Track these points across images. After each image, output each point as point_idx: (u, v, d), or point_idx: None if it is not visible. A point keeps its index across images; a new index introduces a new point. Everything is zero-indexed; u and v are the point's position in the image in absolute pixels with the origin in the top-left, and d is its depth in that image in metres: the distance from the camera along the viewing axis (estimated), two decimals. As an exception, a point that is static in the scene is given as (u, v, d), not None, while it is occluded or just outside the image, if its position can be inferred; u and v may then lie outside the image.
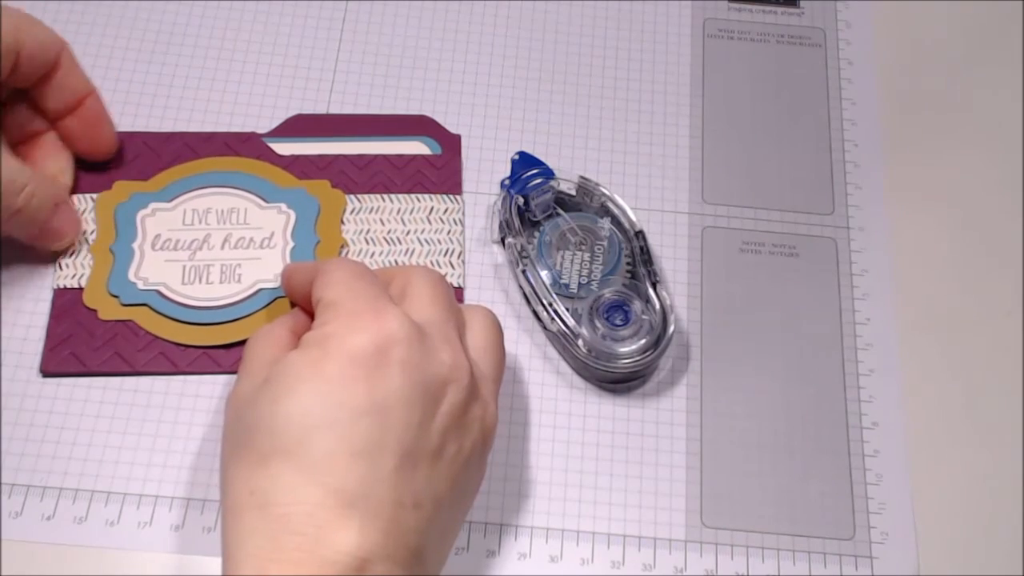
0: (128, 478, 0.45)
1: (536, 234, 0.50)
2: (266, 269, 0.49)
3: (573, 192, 0.51)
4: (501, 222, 0.50)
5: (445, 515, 0.39)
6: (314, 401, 0.37)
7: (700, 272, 0.51)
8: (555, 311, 0.47)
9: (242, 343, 0.47)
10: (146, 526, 0.44)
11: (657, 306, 0.48)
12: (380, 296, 0.39)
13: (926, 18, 0.59)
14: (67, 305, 0.48)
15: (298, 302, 0.44)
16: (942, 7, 0.59)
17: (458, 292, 0.49)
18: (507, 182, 0.50)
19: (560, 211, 0.50)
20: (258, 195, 0.51)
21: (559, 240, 0.50)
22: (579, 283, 0.48)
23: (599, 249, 0.49)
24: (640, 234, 0.49)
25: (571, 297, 0.48)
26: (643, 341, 0.47)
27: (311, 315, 0.41)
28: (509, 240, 0.49)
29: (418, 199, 0.51)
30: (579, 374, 0.48)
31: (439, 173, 0.52)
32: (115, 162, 0.51)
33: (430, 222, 0.51)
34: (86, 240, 0.49)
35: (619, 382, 0.48)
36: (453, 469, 0.39)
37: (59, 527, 0.44)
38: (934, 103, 0.57)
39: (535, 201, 0.50)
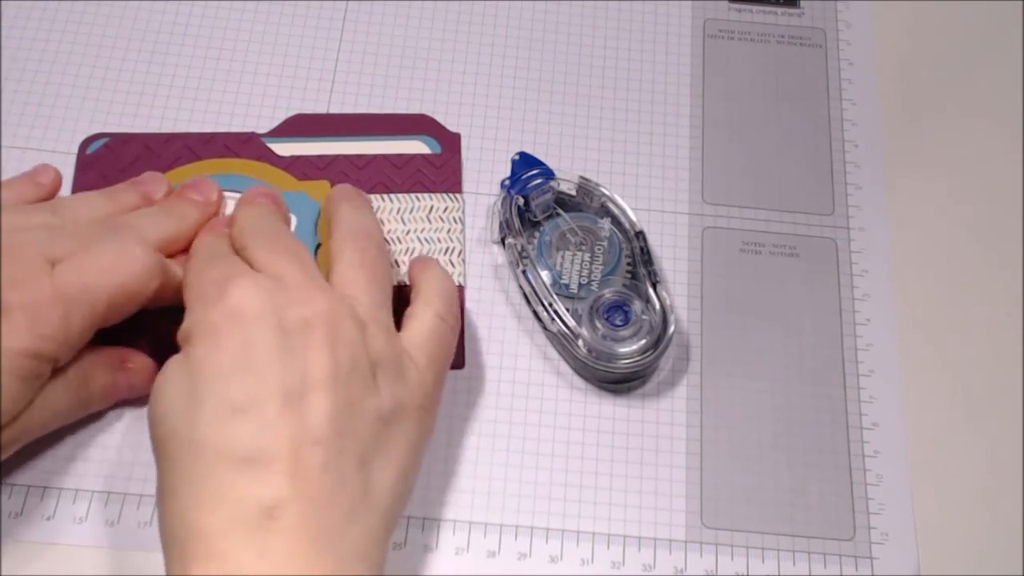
0: (128, 478, 0.45)
1: (536, 234, 0.50)
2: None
3: (573, 192, 0.51)
4: (501, 222, 0.50)
5: (360, 441, 0.38)
6: (184, 380, 0.38)
7: (700, 272, 0.51)
8: (555, 311, 0.47)
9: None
10: (146, 526, 0.44)
11: (657, 306, 0.48)
12: (224, 276, 0.40)
13: (926, 18, 0.59)
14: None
15: None
16: (942, 7, 0.59)
17: (458, 292, 0.49)
18: (507, 182, 0.50)
19: (560, 211, 0.50)
20: (258, 196, 0.51)
21: (559, 240, 0.50)
22: (579, 283, 0.48)
23: (599, 249, 0.49)
24: (640, 234, 0.49)
25: (571, 297, 0.48)
26: (643, 341, 0.47)
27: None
28: (509, 240, 0.49)
29: (418, 198, 0.51)
30: (579, 374, 0.48)
31: (439, 172, 0.52)
32: (115, 164, 0.51)
33: (430, 221, 0.51)
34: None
35: (619, 382, 0.48)
36: (346, 392, 0.38)
37: (59, 527, 0.44)
38: (934, 103, 0.57)
39: (535, 201, 0.50)
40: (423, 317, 0.43)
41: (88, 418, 0.46)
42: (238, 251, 0.44)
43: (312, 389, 0.37)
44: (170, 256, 0.45)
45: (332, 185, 0.51)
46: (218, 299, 0.39)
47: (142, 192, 0.48)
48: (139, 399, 0.47)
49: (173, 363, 0.39)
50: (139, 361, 0.46)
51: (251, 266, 0.42)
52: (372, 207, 0.47)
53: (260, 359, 0.38)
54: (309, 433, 0.37)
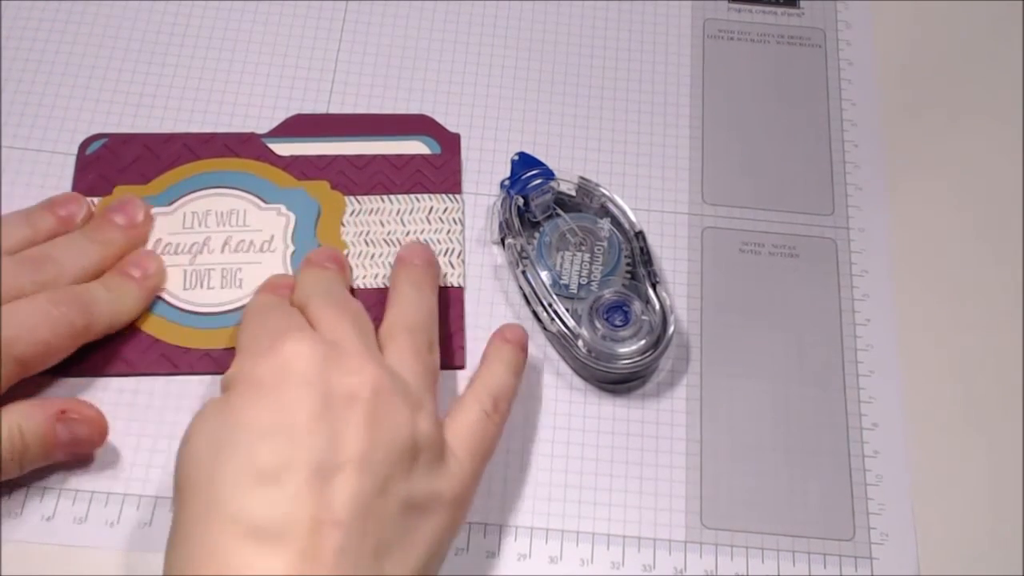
0: (128, 478, 0.45)
1: (536, 235, 0.50)
2: (266, 274, 0.49)
3: (573, 192, 0.51)
4: (501, 223, 0.50)
5: (383, 528, 0.36)
6: (217, 429, 0.36)
7: (700, 272, 0.51)
8: (555, 312, 0.47)
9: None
10: (146, 526, 0.44)
11: (657, 306, 0.48)
12: (281, 328, 0.40)
13: (926, 18, 0.59)
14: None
15: None
16: (942, 7, 0.59)
17: (458, 292, 0.50)
18: (507, 182, 0.50)
19: (560, 212, 0.50)
20: (257, 195, 0.51)
21: (559, 241, 0.50)
22: (579, 284, 0.48)
23: (599, 250, 0.49)
24: (640, 234, 0.49)
25: (571, 298, 0.48)
26: (643, 342, 0.47)
27: None
28: (509, 241, 0.49)
29: (417, 199, 0.51)
30: (579, 375, 0.48)
31: (438, 172, 0.52)
32: (114, 164, 0.51)
33: (430, 222, 0.51)
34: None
35: (619, 383, 0.48)
36: (380, 474, 0.36)
37: (59, 527, 0.44)
38: (934, 103, 0.56)
39: (535, 202, 0.50)
40: (470, 410, 0.42)
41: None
42: (299, 308, 0.43)
43: (343, 466, 0.36)
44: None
45: (332, 186, 0.51)
46: (269, 351, 0.38)
47: (60, 216, 0.47)
48: (138, 400, 0.47)
49: (212, 406, 0.38)
50: (83, 411, 0.43)
51: (309, 323, 0.41)
52: (436, 279, 0.47)
53: (298, 425, 0.36)
54: (331, 513, 0.35)
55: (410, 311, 0.44)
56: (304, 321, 0.41)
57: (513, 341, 0.46)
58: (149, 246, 0.49)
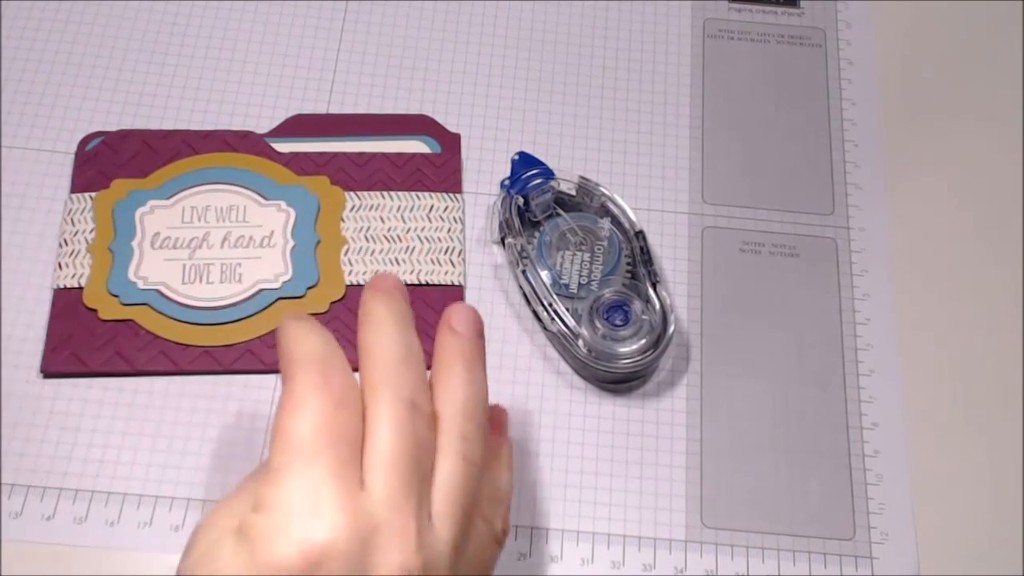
0: (128, 478, 0.45)
1: (536, 234, 0.50)
2: (266, 269, 0.49)
3: (573, 192, 0.51)
4: (501, 222, 0.50)
5: None
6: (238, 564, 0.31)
7: (700, 272, 0.51)
8: (555, 311, 0.47)
9: (244, 343, 0.47)
10: (146, 526, 0.44)
11: (657, 306, 0.48)
12: (330, 475, 0.32)
13: (926, 18, 0.59)
14: (67, 305, 0.48)
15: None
16: (942, 7, 0.59)
17: (458, 291, 0.49)
18: (507, 182, 0.50)
19: (560, 211, 0.50)
20: (257, 192, 0.51)
21: (559, 240, 0.50)
22: (579, 283, 0.48)
23: (599, 249, 0.49)
24: (640, 234, 0.49)
25: (571, 297, 0.48)
26: (643, 341, 0.47)
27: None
28: (509, 240, 0.49)
29: (418, 197, 0.51)
30: (579, 374, 0.48)
31: (438, 171, 0.52)
32: (113, 160, 0.51)
33: (430, 220, 0.51)
34: (84, 239, 0.49)
35: (619, 382, 0.48)
36: None
37: (59, 527, 0.44)
38: (934, 103, 0.57)
39: (535, 201, 0.50)
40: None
41: (88, 418, 0.46)
42: (363, 392, 0.34)
43: None
44: None
45: (332, 182, 0.51)
46: (299, 528, 0.31)
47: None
48: (138, 400, 0.47)
49: (231, 539, 0.32)
50: None
51: (363, 441, 0.33)
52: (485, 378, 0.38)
53: None
54: None
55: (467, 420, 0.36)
56: (356, 482, 0.33)
57: (463, 332, 0.37)
58: (147, 240, 0.49)
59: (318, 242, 0.50)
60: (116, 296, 0.48)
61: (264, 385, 0.47)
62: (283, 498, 0.32)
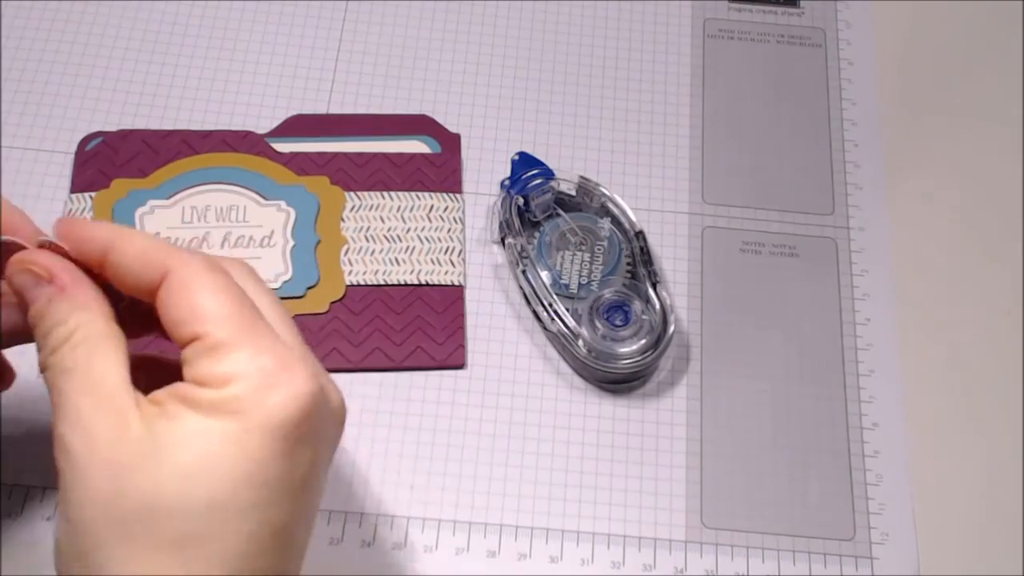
0: (128, 478, 0.45)
1: (536, 234, 0.50)
2: (266, 269, 0.49)
3: (573, 192, 0.51)
4: (501, 222, 0.50)
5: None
6: (239, 483, 0.32)
7: (700, 272, 0.51)
8: (555, 311, 0.47)
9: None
10: (146, 526, 0.44)
11: (657, 306, 0.48)
12: (266, 328, 0.34)
13: (926, 18, 0.59)
14: (67, 305, 0.48)
15: (91, 264, 0.35)
16: (942, 7, 0.59)
17: (458, 291, 0.50)
18: (507, 182, 0.50)
19: (560, 211, 0.50)
20: (257, 192, 0.51)
21: (559, 240, 0.50)
22: (579, 283, 0.48)
23: (599, 249, 0.49)
24: (640, 234, 0.49)
25: (571, 297, 0.48)
26: (643, 341, 0.47)
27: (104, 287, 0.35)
28: (509, 240, 0.49)
29: (418, 197, 0.51)
30: (579, 374, 0.48)
31: (438, 171, 0.52)
32: (113, 160, 0.51)
33: (430, 220, 0.51)
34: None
35: (619, 382, 0.48)
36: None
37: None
38: (934, 103, 0.57)
39: (535, 201, 0.50)
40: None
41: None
42: None
43: (316, 506, 0.36)
44: None
45: (331, 182, 0.51)
46: (286, 379, 0.33)
47: None
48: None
49: (218, 437, 0.32)
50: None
51: None
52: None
53: None
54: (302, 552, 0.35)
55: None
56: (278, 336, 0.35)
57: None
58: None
59: (318, 242, 0.50)
60: (116, 296, 0.48)
61: (264, 385, 0.47)
62: (252, 360, 0.32)
